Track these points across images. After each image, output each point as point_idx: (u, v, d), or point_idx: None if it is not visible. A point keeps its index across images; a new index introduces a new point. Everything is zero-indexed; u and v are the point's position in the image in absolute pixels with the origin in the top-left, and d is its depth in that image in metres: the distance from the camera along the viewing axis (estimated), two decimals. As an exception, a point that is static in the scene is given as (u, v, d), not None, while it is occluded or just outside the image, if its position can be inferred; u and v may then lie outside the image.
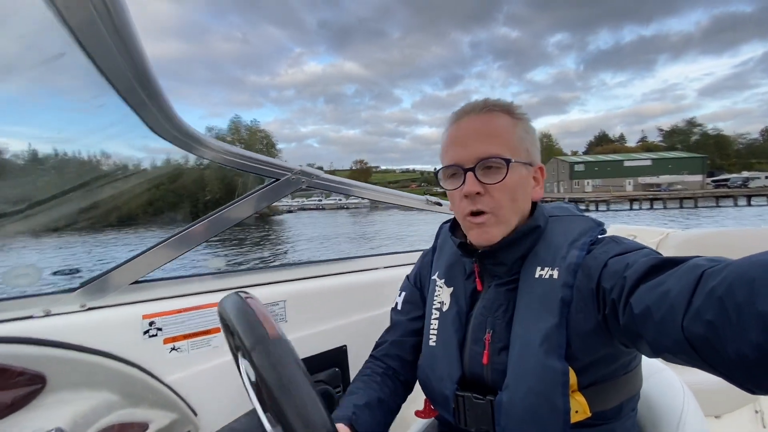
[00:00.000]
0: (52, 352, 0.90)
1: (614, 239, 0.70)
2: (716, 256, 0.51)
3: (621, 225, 2.61)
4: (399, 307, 0.95)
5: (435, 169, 0.80)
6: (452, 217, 0.90)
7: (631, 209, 44.60)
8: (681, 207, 43.35)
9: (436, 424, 0.90)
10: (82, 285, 1.03)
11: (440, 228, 0.96)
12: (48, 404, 0.86)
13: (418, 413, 0.88)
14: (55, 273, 1.03)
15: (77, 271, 1.04)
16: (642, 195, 48.00)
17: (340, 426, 0.69)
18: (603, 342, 0.65)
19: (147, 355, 1.04)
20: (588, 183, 63.44)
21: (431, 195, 1.71)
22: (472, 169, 0.71)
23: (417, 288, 0.95)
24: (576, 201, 46.83)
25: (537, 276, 0.71)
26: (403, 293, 0.97)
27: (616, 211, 42.46)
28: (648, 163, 63.62)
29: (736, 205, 43.76)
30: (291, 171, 1.26)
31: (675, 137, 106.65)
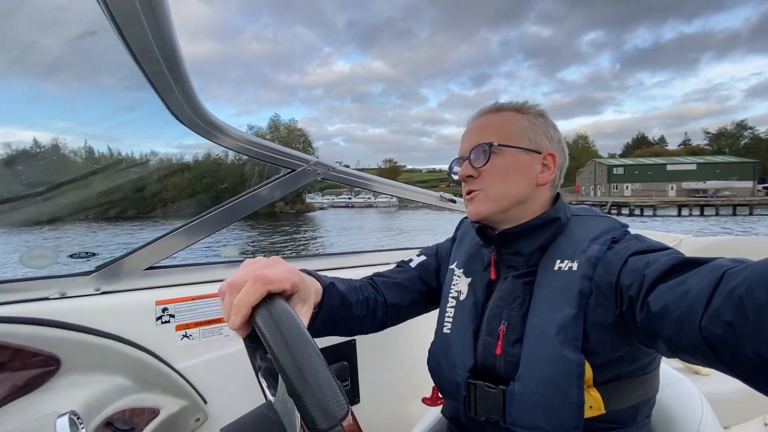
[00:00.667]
0: (67, 334, 0.90)
1: (637, 237, 0.70)
2: (741, 258, 0.50)
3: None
4: (413, 265, 0.96)
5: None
6: None
7: (679, 215, 41.25)
8: (734, 214, 40.16)
9: (446, 413, 0.90)
10: (98, 269, 1.03)
11: (461, 221, 0.99)
12: (62, 386, 0.87)
13: (425, 400, 0.88)
14: (71, 256, 1.03)
15: (93, 254, 1.05)
16: (692, 201, 45.35)
17: (313, 281, 0.67)
18: (622, 340, 0.64)
19: (159, 341, 1.04)
20: (627, 187, 60.45)
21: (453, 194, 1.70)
22: (468, 158, 0.80)
23: (435, 259, 0.98)
24: (619, 206, 44.18)
25: (556, 268, 0.72)
26: (423, 257, 0.98)
27: (664, 217, 38.92)
28: (693, 167, 59.49)
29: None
30: (307, 162, 1.25)
31: (723, 141, 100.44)
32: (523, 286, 0.75)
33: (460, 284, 0.86)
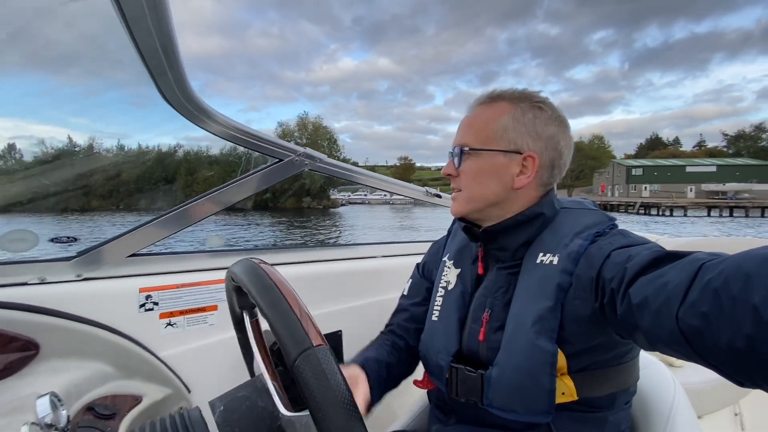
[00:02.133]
0: (46, 319, 0.88)
1: (621, 232, 0.72)
2: (718, 252, 0.51)
3: None
4: (406, 293, 1.01)
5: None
6: None
7: (709, 215, 41.86)
8: (762, 215, 41.43)
9: (432, 397, 0.93)
10: (79, 254, 1.01)
11: None
12: (41, 371, 0.85)
13: (416, 383, 0.91)
14: (52, 240, 1.01)
15: (75, 239, 1.02)
16: (722, 202, 45.46)
17: (352, 366, 0.78)
18: (598, 330, 0.66)
19: (142, 328, 1.03)
20: (645, 188, 59.98)
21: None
22: (452, 154, 0.82)
23: (423, 277, 1.01)
24: (648, 207, 44.09)
25: (538, 261, 0.73)
26: (411, 280, 1.03)
27: (695, 217, 38.67)
28: (712, 169, 59.06)
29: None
30: (295, 152, 1.25)
31: (741, 143, 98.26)
32: (507, 276, 0.78)
33: (449, 275, 0.89)
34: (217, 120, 1.02)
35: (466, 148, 0.79)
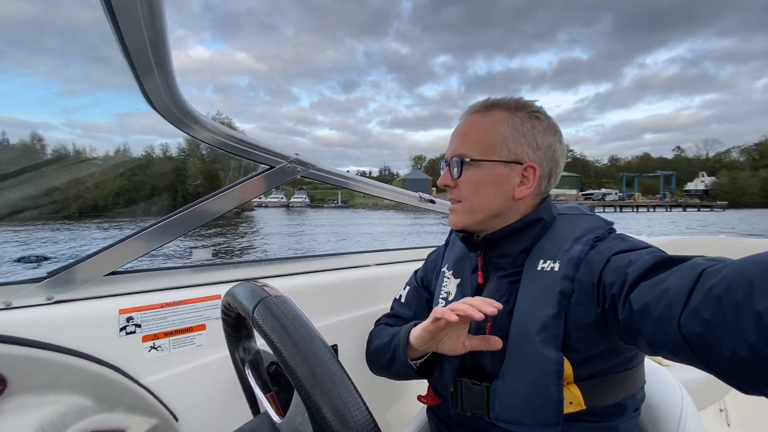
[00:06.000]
0: (14, 350, 0.79)
1: (621, 237, 0.72)
2: (718, 256, 0.51)
3: None
4: (403, 300, 1.00)
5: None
6: None
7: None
8: (604, 210, 55.25)
9: (435, 412, 0.90)
10: (51, 275, 0.91)
11: None
12: (10, 410, 0.75)
13: (420, 398, 0.88)
14: (19, 260, 0.91)
15: (45, 258, 0.92)
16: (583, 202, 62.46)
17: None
18: (603, 336, 0.65)
19: (123, 354, 0.94)
20: None
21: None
22: (449, 165, 0.81)
23: (421, 286, 1.00)
24: None
25: (539, 268, 0.73)
26: (408, 288, 1.02)
27: None
28: None
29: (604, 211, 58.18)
30: (287, 159, 1.19)
31: None
32: (508, 285, 0.77)
33: (449, 285, 0.88)
34: (206, 126, 0.95)
35: (467, 159, 0.77)
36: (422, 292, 0.99)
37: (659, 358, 0.74)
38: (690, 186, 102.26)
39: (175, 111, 0.84)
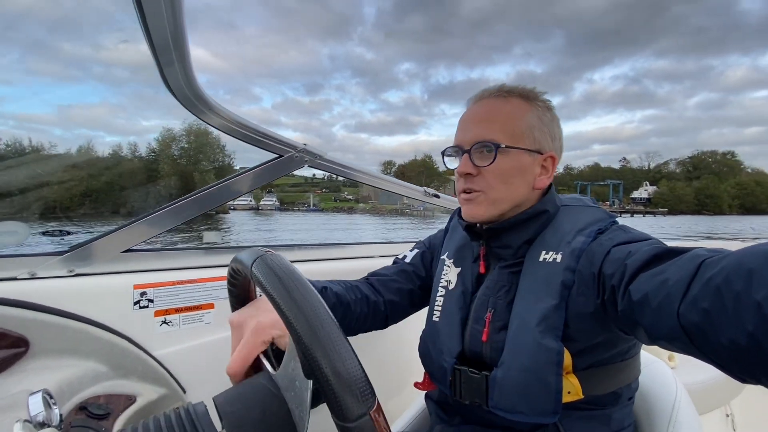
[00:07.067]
0: (37, 316, 0.85)
1: (622, 228, 0.71)
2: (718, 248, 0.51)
3: None
4: (408, 260, 0.98)
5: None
6: None
7: None
8: None
9: (433, 398, 0.91)
10: (72, 249, 0.97)
11: (454, 211, 0.98)
12: (31, 369, 0.81)
13: (417, 385, 0.89)
14: (44, 233, 0.97)
15: (68, 233, 0.99)
16: None
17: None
18: (602, 327, 0.66)
19: (137, 326, 1.00)
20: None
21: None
22: (468, 151, 0.75)
23: (429, 252, 0.99)
24: None
25: (541, 259, 0.72)
26: (416, 250, 1.00)
27: None
28: None
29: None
30: (295, 149, 1.24)
31: None
32: (509, 275, 0.76)
33: (449, 274, 0.87)
34: (219, 113, 1.00)
35: (502, 145, 0.72)
36: (428, 255, 0.98)
37: (657, 349, 0.75)
38: (635, 194, 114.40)
39: (192, 98, 0.90)
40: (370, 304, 0.86)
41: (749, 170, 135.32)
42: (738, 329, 0.40)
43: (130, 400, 0.90)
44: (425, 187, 1.68)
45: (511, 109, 0.75)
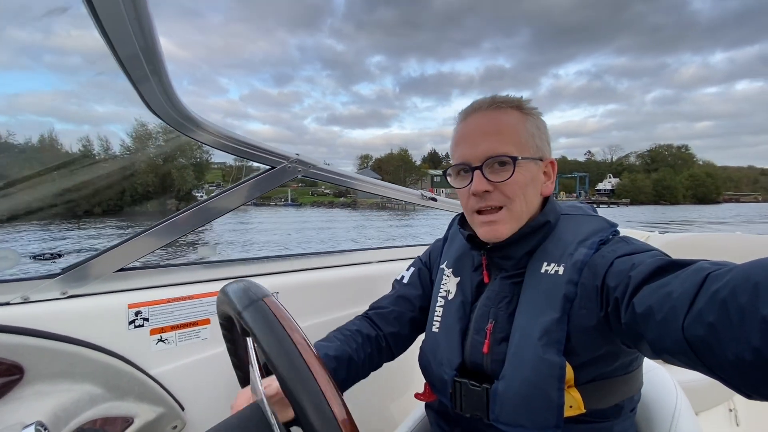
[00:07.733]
0: (31, 341, 0.85)
1: (624, 239, 0.70)
2: (722, 260, 0.50)
3: None
4: (406, 281, 0.97)
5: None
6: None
7: None
8: None
9: (434, 408, 0.90)
10: (64, 271, 0.97)
11: (453, 219, 0.97)
12: (26, 396, 0.81)
13: (418, 395, 0.88)
14: (35, 257, 0.97)
15: (59, 255, 0.98)
16: None
17: None
18: (604, 340, 0.65)
19: (132, 346, 0.99)
20: (442, 192, 79.74)
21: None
22: (480, 168, 0.72)
23: (427, 268, 0.98)
24: None
25: (543, 271, 0.71)
26: (413, 269, 0.99)
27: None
28: None
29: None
30: (287, 159, 1.22)
31: None
32: (510, 286, 0.76)
33: (448, 284, 0.86)
34: (206, 129, 0.99)
35: (519, 157, 0.71)
36: (426, 272, 0.97)
37: None
38: (600, 186, 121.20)
39: (176, 116, 0.88)
40: (372, 344, 0.87)
41: (701, 162, 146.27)
42: (743, 344, 0.40)
43: (128, 421, 0.90)
44: (422, 191, 1.67)
45: (512, 120, 0.74)
